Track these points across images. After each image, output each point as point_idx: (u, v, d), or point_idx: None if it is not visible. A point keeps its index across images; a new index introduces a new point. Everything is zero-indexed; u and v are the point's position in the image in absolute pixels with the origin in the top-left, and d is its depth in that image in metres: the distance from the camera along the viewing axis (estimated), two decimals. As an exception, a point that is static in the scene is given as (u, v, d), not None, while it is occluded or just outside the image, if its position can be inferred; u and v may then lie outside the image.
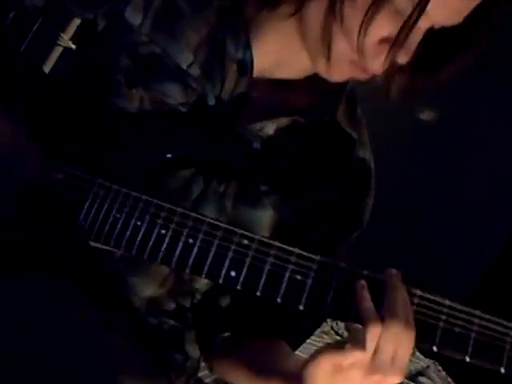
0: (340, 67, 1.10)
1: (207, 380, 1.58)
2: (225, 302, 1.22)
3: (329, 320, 2.25)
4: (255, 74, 1.16)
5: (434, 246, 2.80)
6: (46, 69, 1.27)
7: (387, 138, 2.56)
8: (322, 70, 1.13)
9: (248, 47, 1.15)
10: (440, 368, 2.20)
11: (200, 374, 1.30)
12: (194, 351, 1.23)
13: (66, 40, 1.31)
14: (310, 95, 1.19)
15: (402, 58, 1.05)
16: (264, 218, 1.16)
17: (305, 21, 1.10)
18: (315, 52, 1.11)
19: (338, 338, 2.22)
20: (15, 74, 1.18)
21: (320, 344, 2.11)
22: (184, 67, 1.14)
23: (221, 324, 1.23)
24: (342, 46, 1.06)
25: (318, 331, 2.16)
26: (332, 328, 2.24)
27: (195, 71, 1.14)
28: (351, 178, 1.23)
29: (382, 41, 1.05)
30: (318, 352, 0.97)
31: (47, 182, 1.06)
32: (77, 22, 1.29)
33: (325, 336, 2.19)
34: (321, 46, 1.08)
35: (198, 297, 1.22)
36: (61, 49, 1.31)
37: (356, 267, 0.98)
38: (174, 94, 1.13)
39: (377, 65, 1.07)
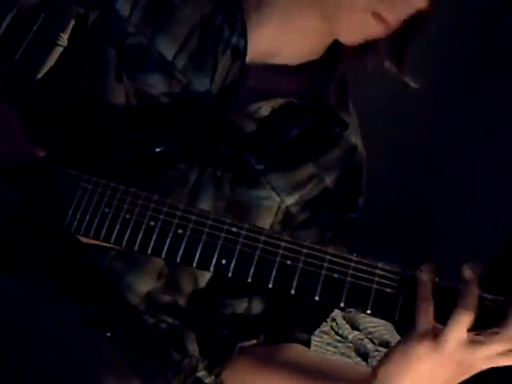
0: (359, 20, 1.10)
1: (207, 380, 1.58)
2: (242, 307, 1.22)
3: (329, 320, 2.25)
4: (249, 59, 1.16)
5: (433, 245, 2.80)
6: (47, 69, 1.28)
7: (387, 137, 2.57)
8: (340, 30, 1.13)
9: (243, 32, 1.16)
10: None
11: (199, 374, 1.29)
12: (194, 349, 1.22)
13: (66, 40, 1.31)
14: (304, 79, 1.20)
15: (419, 2, 1.08)
16: (262, 197, 1.17)
17: None
18: (331, 10, 1.12)
19: (338, 337, 2.22)
20: (6, 75, 1.19)
21: (320, 344, 2.12)
22: (169, 58, 1.15)
23: (241, 331, 1.22)
24: None
25: (317, 331, 2.16)
26: (332, 328, 2.24)
27: (180, 63, 1.15)
28: (345, 163, 1.23)
29: None
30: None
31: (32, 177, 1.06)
32: (77, 21, 1.30)
33: (325, 336, 2.19)
34: (337, 1, 1.10)
35: (200, 295, 1.21)
36: (61, 49, 1.32)
37: (346, 252, 0.97)
38: (157, 85, 1.14)
39: (394, 13, 1.09)
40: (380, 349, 2.32)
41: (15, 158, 1.06)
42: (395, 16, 1.10)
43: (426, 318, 0.91)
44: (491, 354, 0.90)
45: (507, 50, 2.69)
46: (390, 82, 1.20)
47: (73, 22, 1.26)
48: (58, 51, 1.36)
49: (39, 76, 1.25)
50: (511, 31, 2.68)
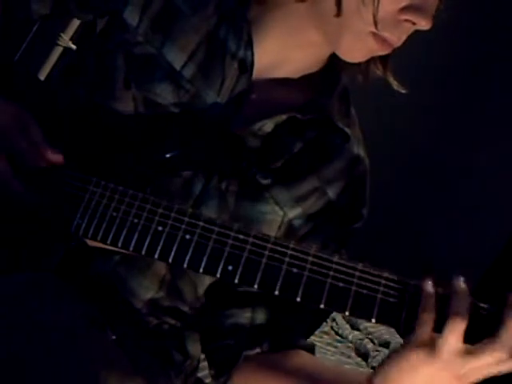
0: (361, 42, 1.10)
1: (208, 380, 1.59)
2: (245, 317, 1.21)
3: (329, 320, 2.25)
4: (255, 72, 1.16)
5: (433, 246, 2.81)
6: (47, 69, 1.28)
7: (387, 140, 2.57)
8: (343, 50, 1.13)
9: (250, 45, 1.16)
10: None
11: (200, 374, 1.30)
12: (195, 351, 1.23)
13: (66, 40, 1.32)
14: (306, 92, 1.20)
15: (424, 25, 1.07)
16: (265, 212, 1.17)
17: (320, 1, 1.11)
18: (334, 31, 1.12)
19: (338, 337, 2.22)
20: (11, 79, 1.20)
21: (320, 344, 2.12)
22: (177, 68, 1.15)
23: (246, 340, 1.21)
24: (362, 18, 1.07)
25: (318, 331, 2.17)
26: (332, 328, 2.25)
27: (189, 72, 1.15)
28: (348, 174, 1.24)
29: (402, 10, 1.06)
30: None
31: (40, 180, 1.07)
32: (77, 22, 1.29)
33: (325, 336, 2.19)
34: (340, 23, 1.09)
35: (201, 301, 1.22)
36: (61, 49, 1.32)
37: (351, 260, 0.98)
38: (165, 94, 1.14)
39: (396, 35, 1.09)
40: (380, 349, 2.33)
41: (34, 163, 1.07)
42: (397, 38, 1.10)
43: (425, 328, 0.93)
44: (484, 365, 0.91)
45: (508, 49, 2.70)
46: (389, 87, 1.20)
47: (75, 24, 1.26)
48: (58, 51, 1.36)
49: (40, 76, 1.25)
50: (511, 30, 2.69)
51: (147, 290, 1.16)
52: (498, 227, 2.78)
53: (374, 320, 0.94)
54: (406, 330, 0.94)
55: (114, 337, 1.10)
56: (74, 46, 1.34)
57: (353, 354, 2.26)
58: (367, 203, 1.27)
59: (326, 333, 2.22)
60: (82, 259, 1.11)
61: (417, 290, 0.94)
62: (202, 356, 1.26)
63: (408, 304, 0.94)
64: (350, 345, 2.27)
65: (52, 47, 1.33)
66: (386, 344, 2.37)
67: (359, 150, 1.25)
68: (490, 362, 0.91)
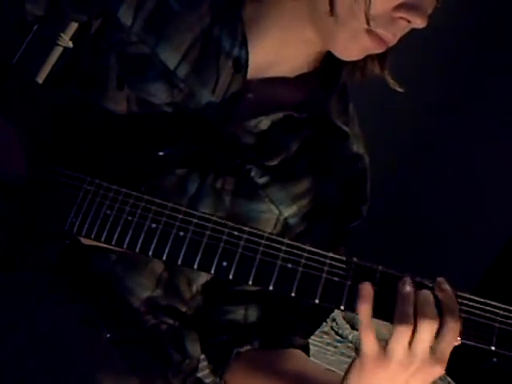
0: (355, 39, 1.10)
1: (207, 380, 1.59)
2: (240, 314, 1.22)
3: (329, 320, 2.25)
4: (250, 71, 1.16)
5: (433, 246, 2.81)
6: (47, 69, 1.28)
7: (387, 138, 2.57)
8: (338, 48, 1.14)
9: (244, 44, 1.16)
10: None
11: (200, 374, 1.30)
12: (194, 350, 1.23)
13: (66, 40, 1.31)
14: (303, 91, 1.20)
15: (419, 23, 1.07)
16: (261, 210, 1.17)
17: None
18: (329, 29, 1.12)
19: (338, 337, 2.22)
20: (7, 80, 1.20)
21: (320, 344, 2.12)
22: (171, 68, 1.15)
23: (238, 337, 1.22)
24: (356, 15, 1.07)
25: (317, 331, 2.17)
26: (332, 328, 2.24)
27: (183, 72, 1.15)
28: (346, 172, 1.24)
29: (396, 8, 1.07)
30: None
31: (35, 180, 1.07)
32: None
33: (325, 336, 2.19)
34: (334, 20, 1.09)
35: (198, 300, 1.22)
36: (61, 49, 1.32)
37: (345, 256, 0.98)
38: (159, 94, 1.14)
39: (391, 33, 1.09)
40: (380, 349, 2.31)
41: (13, 175, 1.07)
42: (392, 35, 1.10)
43: (369, 338, 0.95)
44: (426, 346, 0.92)
45: (507, 49, 2.70)
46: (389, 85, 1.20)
47: (75, 24, 1.26)
48: (58, 51, 1.35)
49: (39, 76, 1.25)
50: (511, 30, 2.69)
51: (144, 289, 1.16)
52: (498, 227, 2.78)
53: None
54: None
55: (108, 335, 1.09)
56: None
57: (353, 354, 2.25)
58: (368, 200, 1.27)
59: (326, 333, 2.22)
60: (79, 259, 1.11)
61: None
62: (202, 356, 1.26)
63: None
64: (350, 345, 2.27)
65: (52, 47, 1.32)
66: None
67: (358, 147, 1.25)
68: (429, 339, 0.92)
